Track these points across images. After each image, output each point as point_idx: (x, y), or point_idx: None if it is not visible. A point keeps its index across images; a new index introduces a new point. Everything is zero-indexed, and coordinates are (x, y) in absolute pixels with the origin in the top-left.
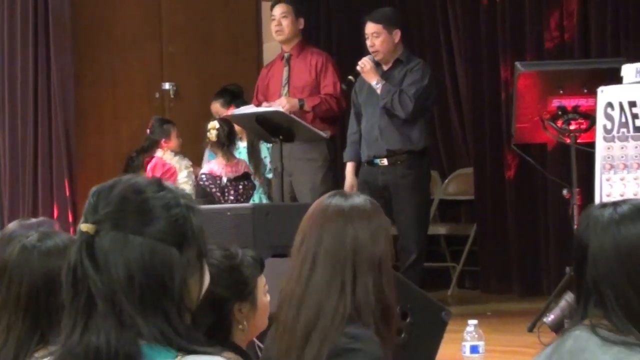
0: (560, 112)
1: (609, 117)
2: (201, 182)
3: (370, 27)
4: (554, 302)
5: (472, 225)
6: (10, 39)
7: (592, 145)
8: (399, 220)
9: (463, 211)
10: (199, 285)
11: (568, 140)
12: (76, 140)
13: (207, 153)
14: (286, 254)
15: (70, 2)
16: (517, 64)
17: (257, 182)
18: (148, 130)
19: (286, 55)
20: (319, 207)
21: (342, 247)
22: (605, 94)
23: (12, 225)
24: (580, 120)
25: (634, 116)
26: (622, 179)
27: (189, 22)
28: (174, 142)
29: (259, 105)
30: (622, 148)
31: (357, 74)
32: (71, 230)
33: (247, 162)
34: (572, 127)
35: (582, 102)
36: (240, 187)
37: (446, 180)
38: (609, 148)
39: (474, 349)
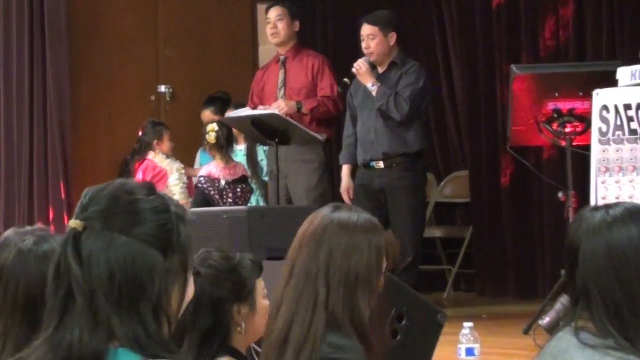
0: (555, 115)
1: (604, 120)
2: (199, 185)
3: (366, 29)
4: (549, 305)
5: (467, 227)
6: (5, 41)
7: (587, 147)
8: (394, 223)
9: (459, 214)
10: (181, 295)
11: (563, 143)
12: (72, 142)
13: (198, 155)
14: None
15: (66, 4)
16: (513, 67)
17: (254, 185)
18: (140, 133)
19: (282, 57)
20: (309, 218)
21: (315, 259)
22: (601, 96)
23: (7, 233)
24: (575, 123)
25: (629, 119)
26: (617, 182)
27: (184, 24)
28: (166, 144)
29: (254, 108)
30: (618, 151)
31: (352, 76)
32: None
33: (245, 165)
34: (567, 129)
35: (578, 105)
36: (238, 189)
37: (442, 183)
38: (604, 151)
39: (469, 352)
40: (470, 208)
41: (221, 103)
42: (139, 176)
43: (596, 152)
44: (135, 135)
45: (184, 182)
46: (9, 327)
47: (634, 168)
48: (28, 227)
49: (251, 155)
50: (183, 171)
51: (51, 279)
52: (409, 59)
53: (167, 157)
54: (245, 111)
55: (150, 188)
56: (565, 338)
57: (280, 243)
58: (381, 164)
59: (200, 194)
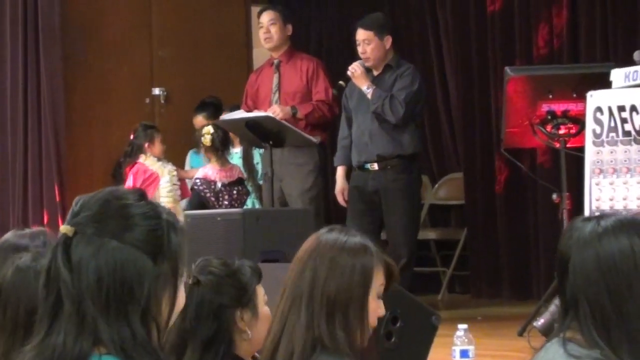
0: (549, 117)
1: (598, 122)
2: (195, 187)
3: (362, 34)
4: (543, 307)
5: (462, 229)
6: None
7: (581, 149)
8: (388, 225)
9: (453, 216)
10: (171, 303)
11: (557, 145)
12: (66, 145)
13: (189, 157)
14: (277, 259)
15: (60, 6)
16: (507, 69)
17: (250, 188)
18: (132, 136)
19: (276, 61)
20: (308, 238)
21: (300, 281)
22: (595, 98)
23: (7, 236)
24: (569, 125)
25: (623, 121)
26: (611, 184)
27: (179, 27)
28: (157, 147)
29: (248, 111)
30: (612, 152)
31: (347, 79)
32: None
33: (241, 168)
34: (561, 131)
35: (572, 107)
36: (235, 192)
37: (436, 185)
38: (598, 152)
39: (464, 354)
40: (465, 210)
41: (213, 108)
42: (130, 179)
43: (590, 154)
44: (129, 138)
45: (174, 184)
46: (10, 346)
47: (628, 170)
48: (27, 230)
49: (247, 159)
50: (175, 173)
51: (42, 285)
52: (404, 61)
53: (159, 160)
54: (240, 114)
55: (140, 194)
56: (552, 349)
57: (275, 246)
58: (375, 166)
59: (197, 197)
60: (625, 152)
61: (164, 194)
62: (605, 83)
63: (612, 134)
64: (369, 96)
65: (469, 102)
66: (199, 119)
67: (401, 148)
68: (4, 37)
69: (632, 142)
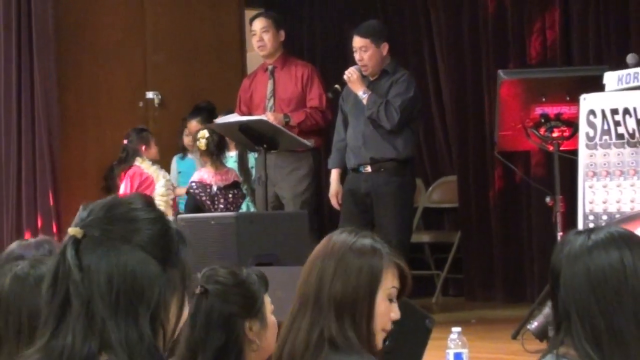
0: (543, 120)
1: (592, 125)
2: (191, 190)
3: (358, 42)
4: (537, 310)
5: (456, 232)
6: None
7: (574, 152)
8: (379, 227)
9: (447, 219)
10: (179, 312)
11: (551, 148)
12: (60, 149)
13: (174, 162)
14: (271, 263)
15: (54, 11)
16: (500, 72)
17: (246, 191)
18: (125, 141)
19: (270, 67)
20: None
21: (308, 282)
22: (588, 101)
23: (12, 247)
24: (562, 128)
25: (616, 123)
26: (604, 186)
27: (173, 30)
28: (153, 149)
29: (242, 116)
30: (605, 155)
31: (343, 84)
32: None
33: (237, 172)
34: (554, 134)
35: (565, 110)
36: (230, 195)
37: (430, 188)
38: (591, 155)
39: (457, 357)
40: (459, 213)
41: (207, 113)
42: (126, 182)
43: (583, 157)
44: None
45: (168, 189)
46: (15, 355)
47: (621, 173)
48: (32, 240)
49: (242, 162)
50: (169, 178)
51: (47, 287)
52: (401, 67)
53: (153, 163)
54: (234, 117)
55: (147, 200)
56: None
57: (268, 249)
58: (369, 169)
59: (192, 200)
60: (619, 155)
61: (158, 198)
62: (598, 86)
63: (606, 137)
64: (365, 101)
65: (463, 105)
66: (193, 124)
67: (395, 152)
68: None
69: (626, 145)
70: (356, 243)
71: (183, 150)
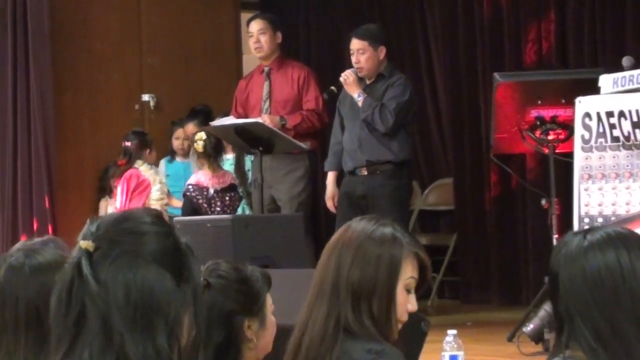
0: (538, 123)
1: (587, 128)
2: (188, 194)
3: (356, 44)
4: (533, 312)
5: (452, 235)
6: None
7: (570, 155)
8: None
9: (443, 221)
10: (190, 330)
11: (546, 151)
12: (55, 151)
13: (163, 165)
14: (267, 265)
15: (50, 13)
16: (496, 75)
17: (241, 194)
18: (129, 143)
19: (266, 69)
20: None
21: (327, 268)
22: (583, 104)
23: (17, 246)
24: (558, 131)
25: (612, 126)
26: (600, 189)
27: (168, 33)
28: (154, 153)
29: (238, 117)
30: (600, 158)
31: (339, 86)
32: None
33: (234, 174)
34: (550, 137)
35: (560, 113)
36: (227, 198)
37: (426, 191)
38: (587, 158)
39: (453, 359)
40: (455, 216)
41: (204, 116)
42: (122, 184)
43: (579, 160)
44: (119, 144)
45: (163, 193)
46: (12, 346)
47: (617, 175)
48: (37, 239)
49: (239, 166)
50: (164, 182)
51: (60, 302)
52: (397, 71)
53: (151, 167)
54: (229, 120)
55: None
56: None
57: (264, 251)
58: (365, 171)
59: (189, 203)
60: (614, 157)
61: (153, 203)
62: (593, 89)
63: (601, 140)
64: (360, 104)
65: (459, 108)
66: (190, 127)
67: (391, 155)
68: None
69: (621, 148)
70: (376, 231)
71: (171, 154)
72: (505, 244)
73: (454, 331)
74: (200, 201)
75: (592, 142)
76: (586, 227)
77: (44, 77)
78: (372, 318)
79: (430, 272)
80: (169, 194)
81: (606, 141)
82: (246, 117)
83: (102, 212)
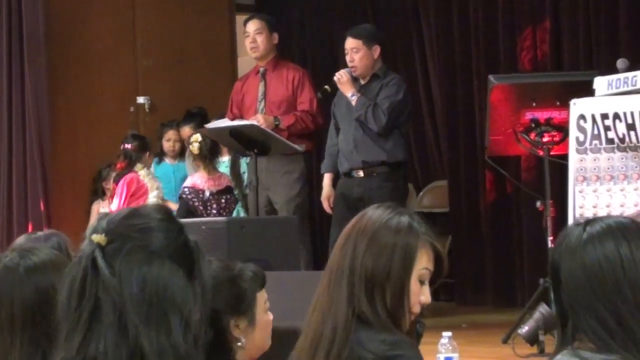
0: (533, 125)
1: (582, 130)
2: (184, 196)
3: (350, 42)
4: (528, 314)
5: (447, 237)
6: None
7: (565, 157)
8: None
9: (438, 223)
10: (199, 325)
11: (541, 153)
12: (51, 155)
13: (152, 168)
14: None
15: (44, 17)
16: (491, 77)
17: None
18: (130, 146)
19: (262, 69)
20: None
21: (342, 254)
22: (578, 106)
23: (19, 240)
24: (553, 133)
25: (606, 128)
26: (594, 191)
27: (163, 36)
28: (151, 158)
29: (233, 118)
30: (595, 160)
31: (333, 85)
32: None
33: (230, 177)
34: (545, 139)
35: (555, 115)
36: (223, 200)
37: (421, 193)
38: (581, 160)
39: None
40: (450, 218)
41: (200, 119)
42: (122, 187)
43: (574, 162)
44: (114, 147)
45: (159, 197)
46: (8, 347)
47: (611, 177)
48: (40, 233)
49: (234, 168)
50: (161, 188)
51: (72, 295)
52: (392, 71)
53: (149, 173)
54: (224, 122)
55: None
56: None
57: (259, 254)
58: (361, 173)
59: (184, 205)
60: (609, 159)
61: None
62: (588, 91)
63: (596, 142)
64: (353, 103)
65: (453, 110)
66: (186, 130)
67: (386, 155)
68: None
69: (615, 150)
70: (392, 219)
71: (160, 155)
72: (500, 246)
73: (449, 333)
74: (196, 204)
75: (587, 144)
76: None
77: (39, 80)
78: (385, 307)
79: (446, 265)
80: (163, 200)
81: (601, 143)
82: (242, 118)
83: (94, 215)
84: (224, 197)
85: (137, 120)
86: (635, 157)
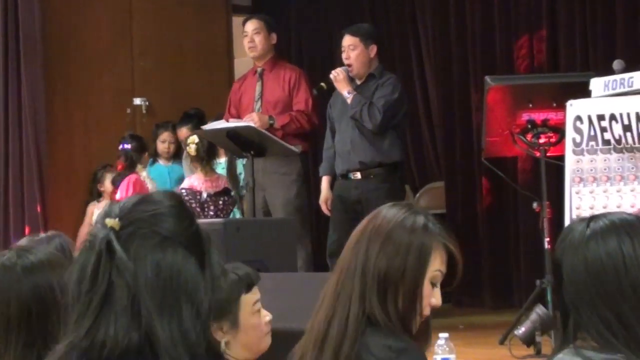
0: (529, 126)
1: (578, 131)
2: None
3: (347, 40)
4: (525, 315)
5: None
6: None
7: (561, 158)
8: None
9: None
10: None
11: (538, 154)
12: (47, 156)
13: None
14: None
15: (41, 18)
16: (487, 78)
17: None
18: (129, 146)
19: (259, 69)
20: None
21: (355, 252)
22: (574, 107)
23: (21, 242)
24: (549, 134)
25: (603, 129)
26: (591, 192)
27: (160, 37)
28: (147, 158)
29: (231, 119)
30: (591, 161)
31: (329, 82)
32: None
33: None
34: (541, 140)
35: (552, 116)
36: (221, 202)
37: (417, 195)
38: (578, 161)
39: None
40: (446, 219)
41: (197, 120)
42: (127, 187)
43: (570, 163)
44: (111, 148)
45: None
46: (3, 347)
47: (608, 178)
48: (43, 235)
49: (231, 169)
50: (157, 188)
51: (83, 278)
52: (387, 72)
53: (148, 174)
54: (221, 124)
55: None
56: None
57: (256, 255)
58: (358, 175)
59: None
60: (605, 160)
61: None
62: (585, 92)
63: (592, 143)
64: (349, 101)
65: (450, 111)
66: (183, 131)
67: (383, 156)
68: None
69: (612, 151)
70: (407, 219)
71: (154, 156)
72: (497, 247)
73: (445, 334)
74: (193, 205)
75: (584, 145)
76: None
77: (36, 82)
78: (396, 308)
79: (461, 268)
80: None
81: (597, 144)
82: (239, 118)
83: (90, 217)
84: (222, 198)
85: (133, 122)
86: (631, 159)
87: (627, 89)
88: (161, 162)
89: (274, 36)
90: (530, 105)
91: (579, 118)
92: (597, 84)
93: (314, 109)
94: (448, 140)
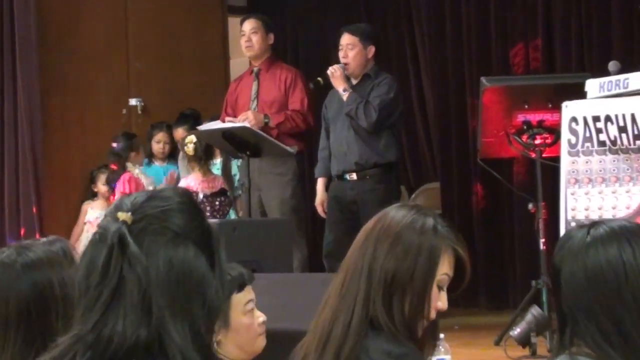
0: (525, 127)
1: (574, 132)
2: None
3: (346, 38)
4: (520, 316)
5: None
6: None
7: (557, 159)
8: None
9: None
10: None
11: (533, 155)
12: (43, 156)
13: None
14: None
15: (37, 18)
16: (483, 79)
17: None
18: (116, 145)
19: (255, 69)
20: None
21: (362, 256)
22: (570, 108)
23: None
24: (545, 135)
25: (598, 131)
26: (586, 193)
27: (155, 38)
28: (142, 155)
29: (227, 119)
30: (587, 162)
31: (326, 78)
32: None
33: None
34: (537, 141)
35: (547, 117)
36: (217, 203)
37: (413, 195)
38: (573, 162)
39: None
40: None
41: (193, 120)
42: (124, 185)
43: (565, 164)
44: (106, 149)
45: None
46: (2, 343)
47: (603, 180)
48: (44, 239)
49: (225, 170)
50: (154, 184)
51: (93, 271)
52: (383, 72)
53: (141, 171)
54: (217, 124)
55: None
56: None
57: (252, 256)
58: (354, 176)
59: None
60: (600, 162)
61: None
62: (580, 93)
63: (587, 144)
64: (345, 98)
65: (446, 112)
66: (180, 132)
67: (378, 156)
68: None
69: (607, 152)
70: (417, 220)
71: (149, 157)
72: (493, 248)
73: (441, 335)
74: None
75: (579, 147)
76: None
77: (31, 82)
78: (402, 312)
79: (469, 272)
80: None
81: (593, 145)
82: (235, 117)
83: (83, 216)
84: (218, 199)
85: (129, 122)
86: (627, 160)
87: (622, 90)
88: (157, 162)
89: (271, 36)
90: (526, 106)
91: (574, 119)
92: (592, 85)
93: (310, 109)
94: (444, 140)
